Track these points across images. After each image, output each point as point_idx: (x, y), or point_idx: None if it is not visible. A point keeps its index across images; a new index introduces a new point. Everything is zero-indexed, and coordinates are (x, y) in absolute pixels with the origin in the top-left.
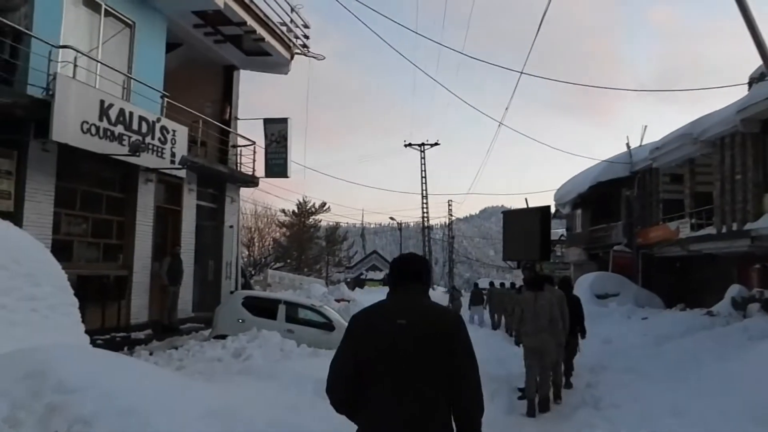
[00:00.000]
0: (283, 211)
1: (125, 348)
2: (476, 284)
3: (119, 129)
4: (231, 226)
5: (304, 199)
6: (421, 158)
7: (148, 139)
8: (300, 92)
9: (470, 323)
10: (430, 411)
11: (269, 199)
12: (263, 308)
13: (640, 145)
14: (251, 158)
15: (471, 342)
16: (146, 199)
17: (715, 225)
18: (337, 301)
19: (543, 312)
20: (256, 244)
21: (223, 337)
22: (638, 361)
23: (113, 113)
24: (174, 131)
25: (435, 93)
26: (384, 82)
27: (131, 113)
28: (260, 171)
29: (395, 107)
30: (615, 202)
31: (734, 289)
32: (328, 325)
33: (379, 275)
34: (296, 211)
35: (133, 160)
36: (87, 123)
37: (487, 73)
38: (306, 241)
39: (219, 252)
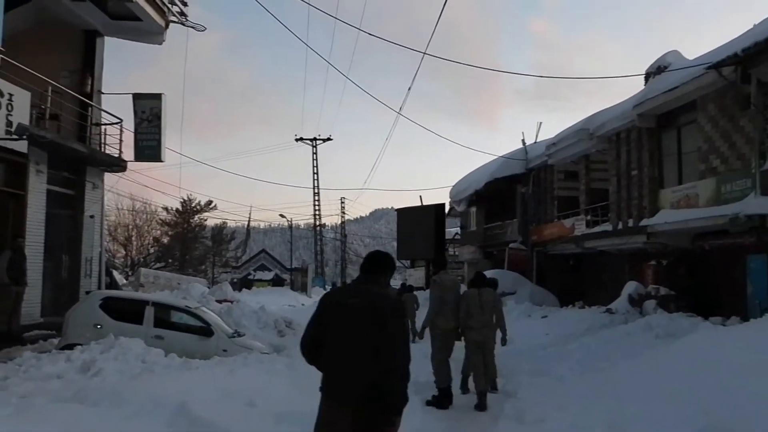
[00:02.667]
0: (166, 209)
1: None
2: None
3: None
4: (92, 216)
5: (188, 197)
6: (313, 153)
7: None
8: (181, 79)
9: None
10: (371, 367)
11: (147, 194)
12: (126, 311)
13: (535, 142)
14: (118, 139)
15: (405, 325)
16: None
17: (611, 221)
18: (219, 302)
19: (487, 307)
20: (134, 242)
21: (73, 347)
22: (546, 362)
23: None
24: (11, 95)
25: (328, 89)
26: (275, 78)
27: None
28: (129, 154)
29: (286, 104)
30: (510, 200)
31: (631, 286)
32: (205, 330)
33: (268, 275)
34: (180, 209)
35: None
36: None
37: (379, 69)
38: (190, 241)
39: (77, 246)
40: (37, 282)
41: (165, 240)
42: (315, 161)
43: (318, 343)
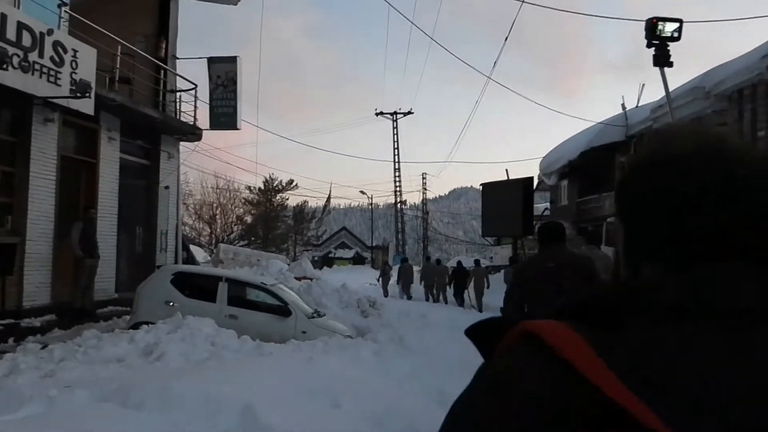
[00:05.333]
0: (249, 188)
1: (10, 339)
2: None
3: None
4: (167, 187)
5: (270, 176)
6: (394, 127)
7: (33, 57)
8: (260, 64)
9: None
10: None
11: (231, 172)
12: (199, 287)
13: (637, 106)
14: (193, 106)
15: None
16: (45, 144)
17: None
18: (298, 279)
19: None
20: (219, 221)
21: (138, 326)
22: None
23: None
24: (75, 51)
25: (410, 65)
26: (355, 58)
27: (3, 16)
28: (204, 122)
29: (366, 83)
30: (608, 170)
31: None
32: (282, 309)
33: (349, 253)
34: (262, 188)
35: (8, 80)
36: None
37: (463, 41)
38: (273, 220)
39: (152, 218)
40: (111, 256)
41: (248, 219)
42: (396, 136)
43: (522, 307)
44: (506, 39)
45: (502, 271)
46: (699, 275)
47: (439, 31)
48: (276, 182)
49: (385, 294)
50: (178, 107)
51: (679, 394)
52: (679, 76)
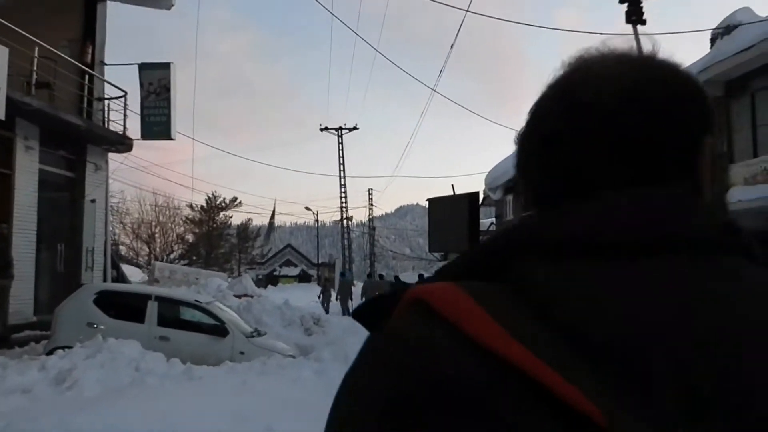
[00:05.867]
0: (191, 206)
1: None
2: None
3: None
4: (93, 201)
5: (213, 194)
6: (339, 143)
7: None
8: (203, 81)
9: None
10: None
11: (171, 189)
12: (126, 307)
13: None
14: (122, 114)
15: None
16: None
17: None
18: (238, 297)
19: None
20: (158, 240)
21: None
22: None
23: None
24: None
25: (354, 81)
26: (299, 76)
27: None
28: (136, 131)
29: (311, 102)
30: None
31: None
32: (219, 329)
33: (294, 271)
34: (205, 206)
35: None
36: None
37: (405, 58)
38: (215, 238)
39: (77, 234)
40: (29, 275)
41: (190, 238)
42: (341, 151)
43: None
44: (452, 46)
45: None
46: (574, 211)
47: (382, 47)
48: (219, 200)
49: (326, 311)
50: (106, 116)
51: (586, 344)
52: None
